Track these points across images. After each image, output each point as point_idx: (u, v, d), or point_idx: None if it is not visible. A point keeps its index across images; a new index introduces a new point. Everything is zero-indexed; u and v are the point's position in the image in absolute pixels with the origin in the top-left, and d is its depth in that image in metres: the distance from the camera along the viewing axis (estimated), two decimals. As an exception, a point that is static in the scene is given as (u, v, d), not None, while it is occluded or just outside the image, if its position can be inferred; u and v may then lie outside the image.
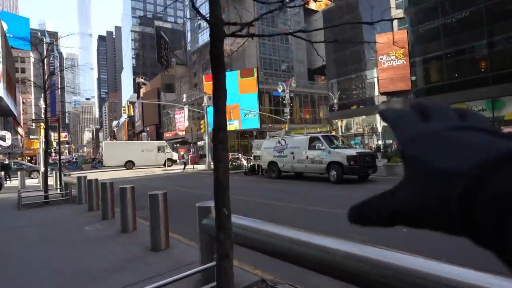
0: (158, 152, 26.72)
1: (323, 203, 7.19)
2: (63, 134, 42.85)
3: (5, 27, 41.87)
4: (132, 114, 20.99)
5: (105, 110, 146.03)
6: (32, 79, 72.56)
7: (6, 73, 32.21)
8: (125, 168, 25.84)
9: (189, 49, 65.45)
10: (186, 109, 52.68)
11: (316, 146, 10.46)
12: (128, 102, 21.68)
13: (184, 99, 56.41)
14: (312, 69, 58.00)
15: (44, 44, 8.84)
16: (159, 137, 56.05)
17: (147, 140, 54.74)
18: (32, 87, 69.59)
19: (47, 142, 8.51)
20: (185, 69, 61.36)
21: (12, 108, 37.49)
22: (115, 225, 5.62)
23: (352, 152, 9.64)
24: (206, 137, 21.26)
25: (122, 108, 22.80)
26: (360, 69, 34.25)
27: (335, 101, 33.20)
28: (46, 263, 3.85)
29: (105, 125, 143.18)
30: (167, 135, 54.70)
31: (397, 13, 28.93)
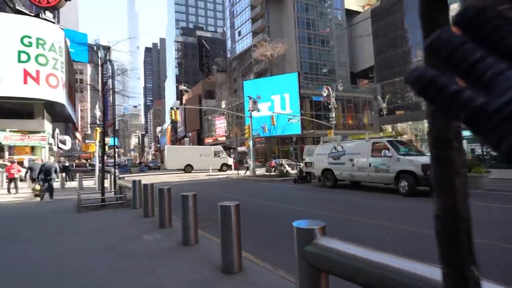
0: (214, 157, 27.61)
1: (406, 220, 6.09)
2: (108, 139, 46.11)
3: (68, 42, 46.34)
4: (178, 119, 21.24)
5: (150, 117, 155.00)
6: (88, 88, 79.11)
7: (68, 84, 35.27)
8: (184, 171, 27.14)
9: (228, 56, 66.79)
10: (224, 115, 53.39)
11: (382, 152, 9.26)
12: (174, 108, 22.13)
13: (224, 105, 57.45)
14: (355, 73, 55.43)
15: (100, 50, 8.93)
16: (200, 142, 57.50)
17: (189, 145, 56.34)
18: (89, 96, 75.90)
19: (104, 145, 8.52)
20: (225, 75, 62.53)
21: (72, 114, 40.90)
22: (174, 235, 5.16)
23: (426, 160, 8.32)
24: (250, 142, 20.81)
25: (169, 113, 23.32)
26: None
27: (384, 105, 30.93)
28: (111, 281, 3.41)
29: (150, 131, 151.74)
30: (208, 140, 55.90)
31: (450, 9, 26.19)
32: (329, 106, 23.57)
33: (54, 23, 31.63)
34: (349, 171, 10.68)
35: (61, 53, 32.10)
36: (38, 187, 10.91)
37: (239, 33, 60.29)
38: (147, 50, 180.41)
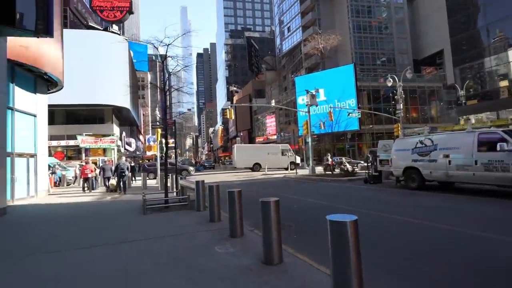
0: (282, 155, 27.30)
1: None
2: (171, 140, 48.88)
3: (131, 54, 50.38)
4: (233, 117, 20.85)
5: (203, 118, 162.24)
6: (149, 92, 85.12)
7: (132, 91, 38.08)
8: (251, 170, 27.21)
9: (277, 54, 65.69)
10: (275, 113, 52.43)
11: (498, 146, 7.15)
12: (229, 107, 21.85)
13: (273, 103, 56.60)
14: (419, 60, 49.65)
15: (163, 46, 8.54)
16: (251, 141, 57.61)
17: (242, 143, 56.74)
18: (149, 101, 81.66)
19: (167, 144, 8.10)
20: (275, 74, 61.64)
21: (136, 118, 44.13)
22: (250, 249, 4.21)
23: None
24: (309, 139, 19.38)
25: (221, 114, 23.13)
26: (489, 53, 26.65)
27: (461, 93, 26.60)
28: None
29: (203, 132, 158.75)
30: (259, 139, 55.68)
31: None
32: (395, 97, 20.86)
33: (119, 34, 34.07)
34: (444, 170, 8.67)
35: (125, 64, 34.51)
36: (114, 182, 12.62)
37: (288, 29, 58.79)
38: (199, 55, 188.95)
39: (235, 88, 73.34)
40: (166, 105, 8.60)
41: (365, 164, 14.04)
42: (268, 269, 3.47)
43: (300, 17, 54.02)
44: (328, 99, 35.22)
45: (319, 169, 21.47)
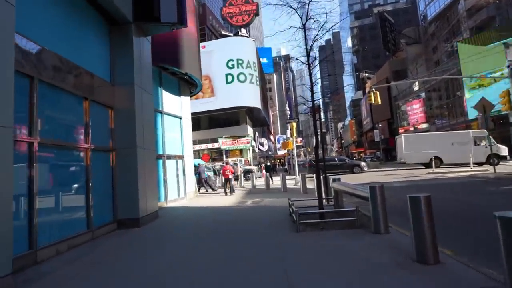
0: (475, 145, 20.50)
1: None
2: (298, 139, 48.18)
3: (258, 55, 53.60)
4: (379, 102, 16.99)
5: (330, 113, 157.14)
6: (276, 96, 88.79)
7: (262, 92, 39.67)
8: (425, 167, 21.77)
9: (421, 23, 54.14)
10: (422, 97, 42.92)
11: None
12: (373, 89, 18.00)
13: (417, 85, 46.57)
14: None
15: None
16: (392, 133, 49.81)
17: (380, 138, 49.97)
18: (277, 101, 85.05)
19: (322, 134, 5.95)
20: (419, 47, 50.93)
21: (266, 118, 45.91)
22: None
23: None
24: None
25: (367, 97, 19.53)
26: None
27: None
28: None
29: (331, 128, 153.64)
30: (402, 131, 47.30)
31: None
32: None
33: (248, 37, 35.88)
34: None
35: (254, 67, 36.06)
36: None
37: (436, -14, 47.11)
38: (321, 49, 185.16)
39: (366, 75, 65.97)
40: (312, 82, 6.51)
41: None
42: None
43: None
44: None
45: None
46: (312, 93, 6.63)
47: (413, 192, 4.19)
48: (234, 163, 22.18)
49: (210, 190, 15.11)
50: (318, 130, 7.22)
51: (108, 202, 6.69)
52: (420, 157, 21.71)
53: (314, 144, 7.11)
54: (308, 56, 6.64)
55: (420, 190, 9.92)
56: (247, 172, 21.42)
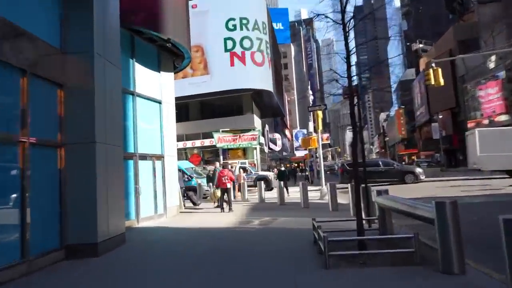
0: None
1: None
2: (324, 136, 47.48)
3: (271, 19, 53.50)
4: (442, 83, 16.55)
5: (368, 101, 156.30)
6: (294, 75, 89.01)
7: (274, 67, 39.53)
8: (508, 176, 21.37)
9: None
10: (501, 78, 42.30)
11: None
12: (433, 64, 17.44)
13: (493, 63, 45.81)
14: None
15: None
16: (457, 128, 49.31)
17: (440, 135, 49.33)
18: (295, 83, 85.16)
19: (361, 127, 5.69)
20: (497, 7, 50.27)
21: (280, 106, 45.76)
22: None
23: None
24: None
25: (424, 76, 19.09)
26: None
27: None
28: None
29: (370, 120, 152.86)
30: (472, 124, 46.70)
31: None
32: None
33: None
34: None
35: (264, 30, 35.77)
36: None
37: None
38: (358, 10, 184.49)
39: (421, 46, 65.28)
40: (348, 51, 6.20)
41: None
42: None
43: None
44: None
45: None
46: (349, 66, 6.34)
47: (495, 212, 3.92)
48: (242, 167, 21.86)
49: (199, 202, 15.39)
50: (357, 121, 6.91)
51: (53, 220, 6.56)
52: (502, 162, 21.16)
53: (350, 141, 6.81)
54: (343, 12, 6.32)
55: (507, 210, 9.53)
56: (260, 180, 20.91)
